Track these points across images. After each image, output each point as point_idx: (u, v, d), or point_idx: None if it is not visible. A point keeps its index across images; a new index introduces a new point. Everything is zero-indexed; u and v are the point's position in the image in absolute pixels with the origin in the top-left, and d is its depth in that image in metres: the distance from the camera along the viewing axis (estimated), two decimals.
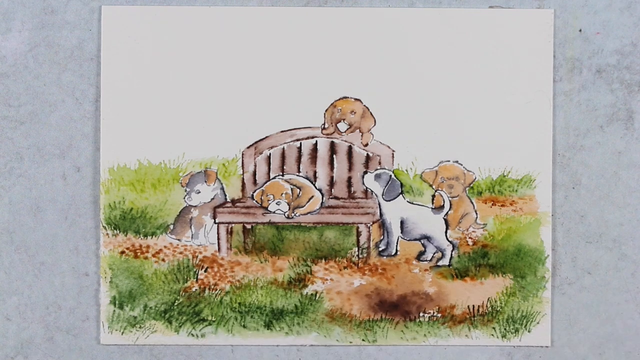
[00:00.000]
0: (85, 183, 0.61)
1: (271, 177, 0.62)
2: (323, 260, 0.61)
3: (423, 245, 0.61)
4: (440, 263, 0.61)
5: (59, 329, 0.61)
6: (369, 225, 0.61)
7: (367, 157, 0.61)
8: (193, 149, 0.61)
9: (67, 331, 0.61)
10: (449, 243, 0.61)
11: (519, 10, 0.60)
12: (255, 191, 0.61)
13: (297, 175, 0.62)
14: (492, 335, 0.61)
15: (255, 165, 0.61)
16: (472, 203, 0.61)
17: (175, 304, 0.61)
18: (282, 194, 0.61)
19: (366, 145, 0.61)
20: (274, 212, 0.61)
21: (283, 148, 0.61)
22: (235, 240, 0.61)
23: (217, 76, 0.60)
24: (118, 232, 0.61)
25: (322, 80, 0.60)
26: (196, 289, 0.61)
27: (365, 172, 0.61)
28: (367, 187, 0.61)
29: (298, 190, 0.61)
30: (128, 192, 0.61)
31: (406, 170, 0.61)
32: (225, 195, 0.61)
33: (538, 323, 0.60)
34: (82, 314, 0.61)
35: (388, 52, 0.60)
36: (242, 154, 0.61)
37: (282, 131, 0.61)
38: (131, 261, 0.61)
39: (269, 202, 0.61)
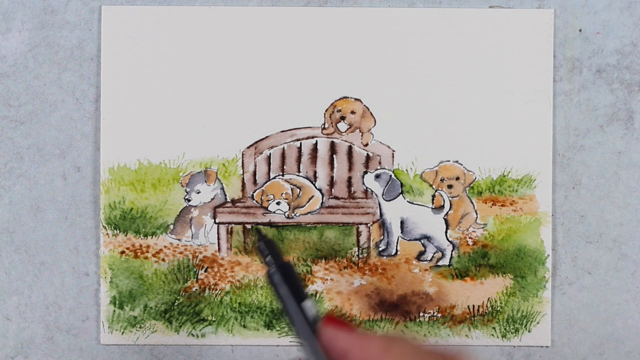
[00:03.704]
0: (85, 183, 0.61)
1: (271, 177, 0.62)
2: (323, 260, 0.61)
3: (423, 245, 0.61)
4: (440, 263, 0.61)
5: (59, 329, 0.61)
6: (369, 225, 0.61)
7: (367, 157, 0.61)
8: (193, 149, 0.61)
9: (67, 331, 0.61)
10: (449, 243, 0.61)
11: (519, 10, 0.60)
12: (255, 191, 0.61)
13: (297, 175, 0.62)
14: (492, 335, 0.61)
15: (255, 165, 0.61)
16: (472, 203, 0.61)
17: (176, 304, 0.61)
18: (282, 194, 0.61)
19: (366, 145, 0.61)
20: (274, 212, 0.61)
21: (283, 148, 0.61)
22: (235, 240, 0.61)
23: (217, 76, 0.60)
24: (118, 232, 0.61)
25: (322, 80, 0.60)
26: (196, 289, 0.61)
27: (365, 172, 0.61)
28: (367, 187, 0.61)
29: (298, 190, 0.61)
30: (128, 192, 0.61)
31: (406, 170, 0.61)
32: (225, 195, 0.61)
33: (538, 323, 0.60)
34: (82, 314, 0.61)
35: (388, 52, 0.60)
36: (242, 154, 0.61)
37: (282, 131, 0.61)
38: (131, 261, 0.61)
39: (269, 202, 0.61)
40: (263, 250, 0.54)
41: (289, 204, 0.61)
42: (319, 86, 0.60)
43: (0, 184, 0.61)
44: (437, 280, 0.61)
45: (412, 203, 0.61)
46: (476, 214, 0.61)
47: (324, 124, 0.61)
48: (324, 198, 0.62)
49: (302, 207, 0.61)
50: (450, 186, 0.61)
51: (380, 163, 0.61)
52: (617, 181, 0.61)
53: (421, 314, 0.61)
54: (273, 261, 0.51)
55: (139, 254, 0.61)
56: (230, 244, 0.61)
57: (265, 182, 0.61)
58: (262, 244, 0.53)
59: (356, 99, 0.60)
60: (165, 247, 0.61)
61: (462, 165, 0.61)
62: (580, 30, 0.60)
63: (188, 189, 0.61)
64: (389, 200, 0.61)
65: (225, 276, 0.61)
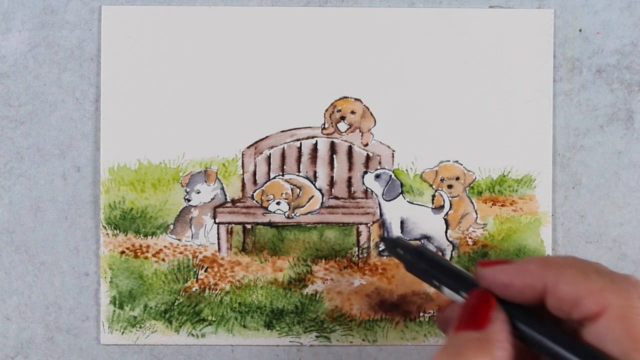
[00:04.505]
0: (85, 183, 0.61)
1: (271, 177, 0.62)
2: (323, 260, 0.61)
3: (423, 245, 0.61)
4: None
5: (59, 329, 0.61)
6: (369, 225, 0.61)
7: (367, 157, 0.62)
8: (193, 149, 0.61)
9: (67, 331, 0.61)
10: (449, 243, 0.61)
11: (519, 10, 0.60)
12: (255, 191, 0.61)
13: (297, 175, 0.62)
14: None
15: (255, 165, 0.61)
16: (472, 203, 0.61)
17: (175, 304, 0.61)
18: (282, 194, 0.61)
19: (366, 145, 0.61)
20: (274, 212, 0.61)
21: (283, 148, 0.61)
22: (235, 240, 0.61)
23: (217, 76, 0.60)
24: (118, 232, 0.61)
25: (322, 80, 0.60)
26: (196, 289, 0.61)
27: (365, 172, 0.61)
28: (367, 187, 0.61)
29: (298, 190, 0.61)
30: (128, 192, 0.61)
31: (406, 170, 0.61)
32: (225, 195, 0.61)
33: None
34: (82, 314, 0.61)
35: (388, 52, 0.60)
36: (242, 154, 0.61)
37: (282, 131, 0.61)
38: (131, 261, 0.61)
39: (269, 202, 0.61)
40: (391, 249, 0.50)
41: (289, 204, 0.61)
42: (319, 86, 0.60)
43: (0, 184, 0.61)
44: None
45: (412, 203, 0.61)
46: (476, 214, 0.61)
47: (324, 124, 0.61)
48: (324, 198, 0.62)
49: (302, 207, 0.61)
50: (450, 186, 0.61)
51: (380, 163, 0.61)
52: (617, 181, 0.61)
53: (421, 314, 0.61)
54: (405, 250, 0.49)
55: (139, 254, 0.61)
56: (230, 244, 0.61)
57: (265, 182, 0.61)
58: (387, 243, 0.50)
59: (356, 99, 0.60)
60: (165, 247, 0.61)
61: (462, 165, 0.61)
62: (580, 30, 0.60)
63: (188, 189, 0.61)
64: (389, 200, 0.61)
65: (225, 276, 0.61)
